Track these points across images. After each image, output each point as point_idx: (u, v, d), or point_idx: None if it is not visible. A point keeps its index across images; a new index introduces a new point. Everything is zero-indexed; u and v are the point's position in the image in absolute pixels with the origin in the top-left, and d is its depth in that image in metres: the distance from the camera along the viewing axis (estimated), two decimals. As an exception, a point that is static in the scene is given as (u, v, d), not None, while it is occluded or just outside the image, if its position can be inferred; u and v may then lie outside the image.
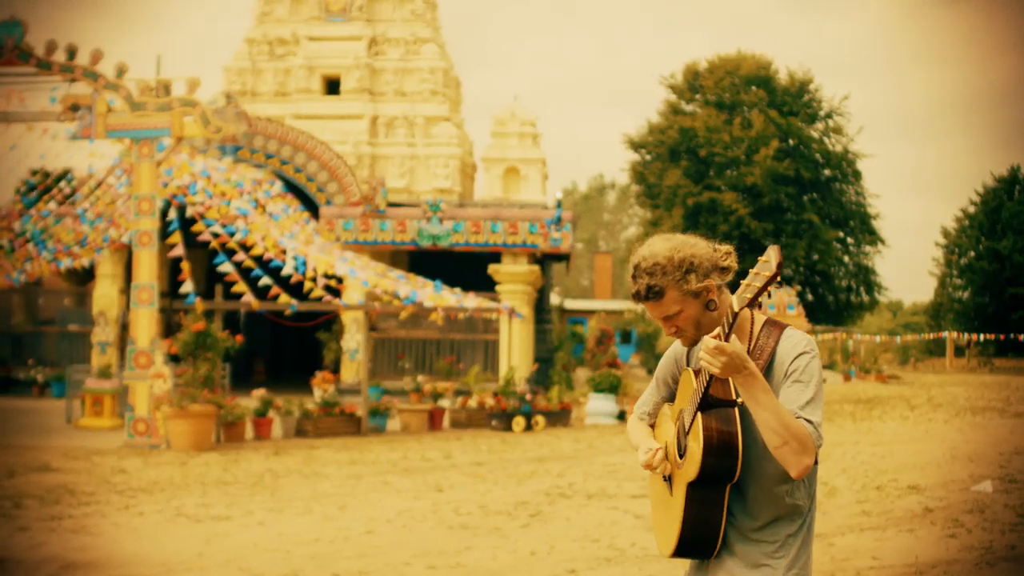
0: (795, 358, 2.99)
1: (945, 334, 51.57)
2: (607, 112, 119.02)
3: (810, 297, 51.20)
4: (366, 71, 30.37)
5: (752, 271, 2.79)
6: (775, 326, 3.06)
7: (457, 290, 20.51)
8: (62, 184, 20.09)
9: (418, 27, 31.00)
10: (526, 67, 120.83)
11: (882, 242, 51.08)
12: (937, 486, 11.32)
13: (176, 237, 16.34)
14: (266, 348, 33.05)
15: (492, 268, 24.76)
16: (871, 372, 38.22)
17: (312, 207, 24.62)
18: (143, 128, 15.34)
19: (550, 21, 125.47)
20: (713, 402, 2.97)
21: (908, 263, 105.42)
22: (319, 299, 18.38)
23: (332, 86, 31.07)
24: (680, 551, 3.10)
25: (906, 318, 72.91)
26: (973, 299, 56.49)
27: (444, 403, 18.93)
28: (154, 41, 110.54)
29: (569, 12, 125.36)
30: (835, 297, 51.74)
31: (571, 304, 48.44)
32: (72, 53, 15.56)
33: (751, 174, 47.60)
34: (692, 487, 2.99)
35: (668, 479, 3.15)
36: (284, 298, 17.03)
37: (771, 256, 2.74)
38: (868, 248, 51.60)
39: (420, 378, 21.57)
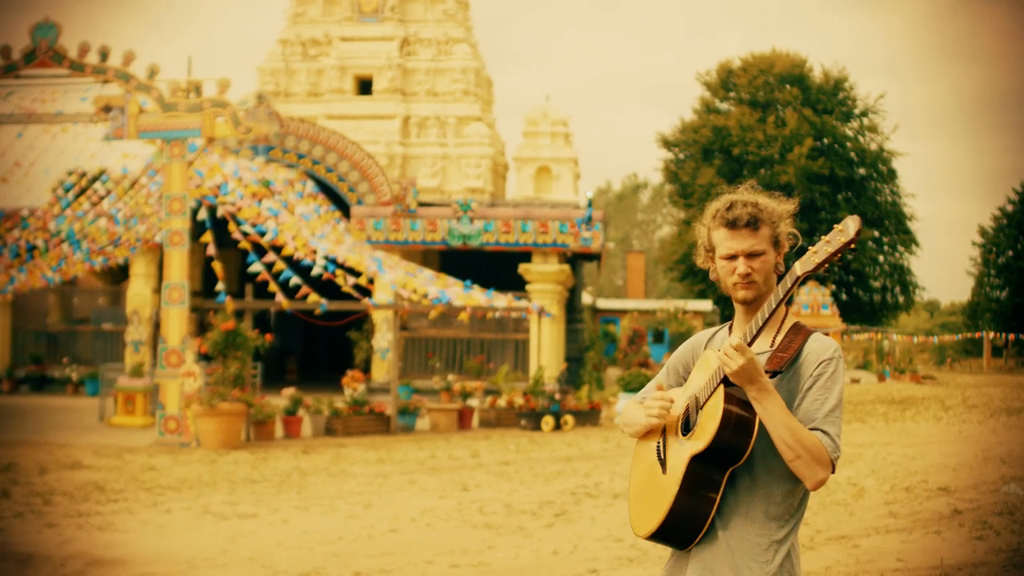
0: (821, 363, 2.97)
1: (982, 334, 51.01)
2: (641, 110, 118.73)
3: (844, 297, 50.84)
4: (398, 71, 30.46)
5: (824, 238, 2.74)
6: (802, 330, 3.05)
7: (481, 290, 20.51)
8: (96, 185, 20.28)
9: (450, 27, 31.05)
10: (558, 66, 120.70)
11: (916, 243, 50.68)
12: (967, 487, 11.21)
13: (207, 237, 16.47)
14: (299, 347, 33.25)
15: (522, 268, 24.76)
16: (906, 372, 37.86)
17: (343, 207, 24.73)
18: (174, 129, 15.47)
19: (582, 20, 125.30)
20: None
21: (946, 262, 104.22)
22: (350, 297, 18.47)
23: (364, 86, 31.18)
24: (661, 532, 3.02)
25: (944, 318, 72.15)
26: (1011, 299, 55.79)
27: (473, 402, 18.95)
28: (189, 42, 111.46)
29: (601, 10, 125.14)
30: (870, 297, 51.36)
31: (604, 304, 48.34)
32: (104, 55, 15.72)
33: (785, 173, 47.36)
34: (696, 461, 2.93)
35: (663, 460, 3.08)
36: (314, 297, 17.12)
37: (849, 225, 2.71)
38: (902, 248, 51.20)
39: (450, 377, 21.61)
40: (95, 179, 20.56)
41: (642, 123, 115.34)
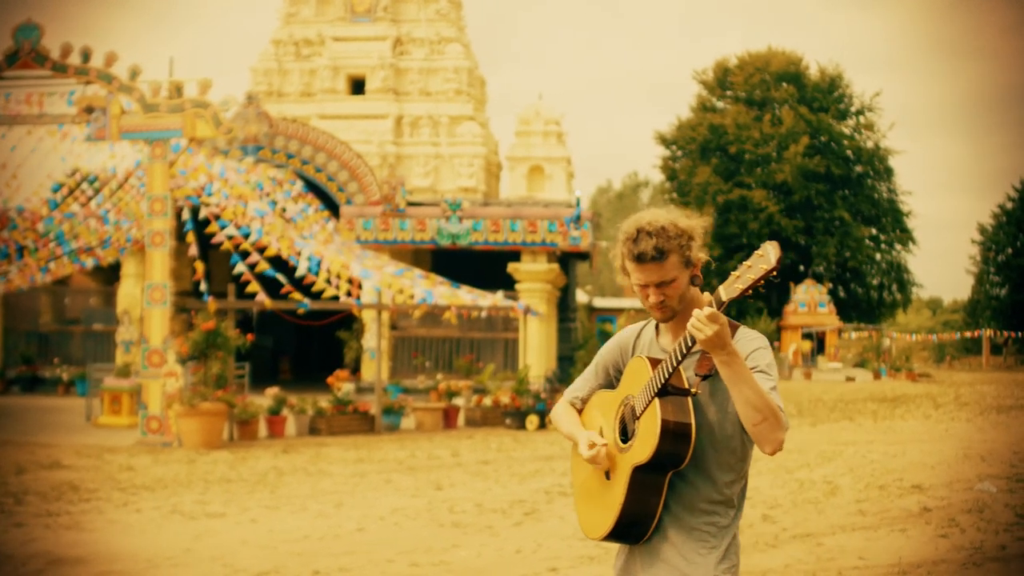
0: (752, 352, 3.06)
1: (981, 332, 50.98)
2: (640, 108, 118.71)
3: (842, 294, 50.84)
4: (391, 71, 30.51)
5: (745, 263, 2.75)
6: (729, 324, 3.08)
7: (471, 289, 20.52)
8: (84, 186, 20.30)
9: (443, 27, 31.09)
10: (553, 65, 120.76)
11: (913, 241, 50.68)
12: (941, 485, 11.21)
13: (190, 237, 16.50)
14: (292, 347, 33.31)
15: (512, 267, 24.79)
16: (902, 370, 37.86)
17: (333, 206, 24.77)
18: (156, 129, 15.50)
19: (576, 19, 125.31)
20: (671, 390, 2.99)
21: (947, 260, 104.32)
22: (334, 298, 18.49)
23: (357, 86, 31.23)
24: (613, 534, 3.12)
25: (946, 316, 72.17)
26: (1011, 296, 55.80)
27: (459, 401, 18.96)
28: (184, 42, 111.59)
29: (596, 9, 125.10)
30: (867, 294, 51.34)
31: (600, 302, 48.32)
32: (87, 56, 15.75)
33: (781, 171, 47.37)
34: (639, 471, 3.01)
35: None
36: (296, 297, 17.14)
37: (769, 251, 2.72)
38: (899, 246, 51.23)
39: (439, 376, 21.61)
40: (84, 179, 20.60)
41: (641, 121, 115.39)
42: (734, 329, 3.08)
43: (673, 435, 2.94)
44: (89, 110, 15.65)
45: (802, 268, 49.77)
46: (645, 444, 2.98)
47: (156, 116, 15.53)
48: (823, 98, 49.33)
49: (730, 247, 48.38)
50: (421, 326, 24.97)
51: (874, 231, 50.57)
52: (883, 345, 46.13)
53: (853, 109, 50.39)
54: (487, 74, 32.32)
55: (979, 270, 58.33)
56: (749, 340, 3.08)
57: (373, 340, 23.66)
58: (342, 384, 17.44)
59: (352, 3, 31.29)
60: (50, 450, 14.17)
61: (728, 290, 2.79)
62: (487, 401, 18.91)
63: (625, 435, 3.11)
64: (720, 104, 51.66)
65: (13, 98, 16.14)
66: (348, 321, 24.70)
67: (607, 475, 3.14)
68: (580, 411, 3.40)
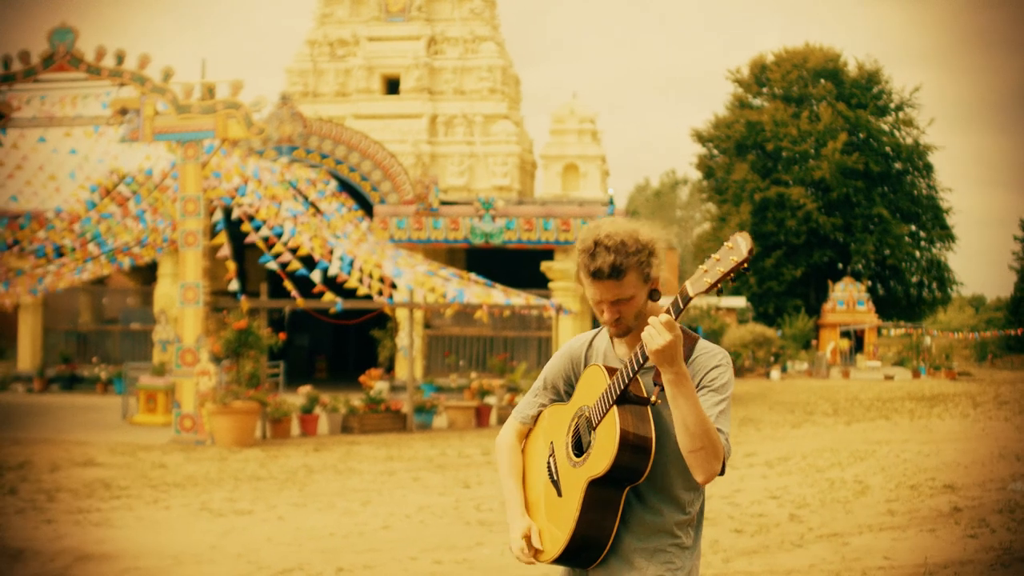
0: (711, 369, 2.93)
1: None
2: (677, 105, 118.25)
3: (881, 292, 50.38)
4: (425, 70, 30.58)
5: (714, 256, 2.64)
6: (687, 336, 2.96)
7: (505, 288, 20.52)
8: (121, 187, 20.51)
9: (476, 25, 31.12)
10: (588, 62, 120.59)
11: (952, 238, 50.12)
12: (973, 485, 11.08)
13: (222, 237, 16.64)
14: (328, 346, 33.50)
15: (544, 265, 24.78)
16: (941, 369, 37.43)
17: (366, 206, 24.87)
18: (188, 130, 15.64)
19: (610, 15, 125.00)
20: (630, 398, 2.86)
21: (991, 257, 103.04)
22: (367, 297, 18.58)
23: (392, 86, 31.34)
24: (564, 556, 2.95)
25: (989, 314, 71.26)
26: (1055, 294, 54.97)
27: (491, 400, 18.98)
28: (222, 43, 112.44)
29: (629, 5, 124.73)
30: (906, 292, 50.83)
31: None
32: (120, 58, 15.93)
33: (819, 168, 47.02)
34: (594, 484, 2.85)
35: (555, 481, 3.02)
36: (329, 296, 17.23)
37: (739, 242, 2.60)
38: (939, 243, 50.70)
39: (472, 375, 21.62)
40: (121, 180, 20.82)
41: (679, 118, 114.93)
42: (693, 342, 2.96)
43: (632, 446, 2.80)
44: (123, 112, 15.83)
45: (841, 266, 49.41)
46: (602, 455, 2.83)
47: (188, 117, 15.67)
48: (861, 94, 48.92)
49: (767, 245, 48.12)
50: (454, 325, 25.02)
51: (913, 228, 50.12)
52: (923, 343, 45.65)
53: (892, 105, 49.96)
54: (520, 72, 32.43)
55: (1021, 267, 57.51)
56: (710, 356, 2.95)
57: (406, 339, 23.74)
58: (374, 383, 17.51)
59: (386, 3, 31.41)
60: (85, 448, 14.34)
61: (695, 285, 2.65)
62: (519, 399, 18.92)
63: (579, 448, 2.96)
64: (757, 101, 51.38)
65: (49, 100, 16.36)
66: (383, 320, 24.79)
67: (559, 492, 2.99)
68: (530, 431, 3.23)
